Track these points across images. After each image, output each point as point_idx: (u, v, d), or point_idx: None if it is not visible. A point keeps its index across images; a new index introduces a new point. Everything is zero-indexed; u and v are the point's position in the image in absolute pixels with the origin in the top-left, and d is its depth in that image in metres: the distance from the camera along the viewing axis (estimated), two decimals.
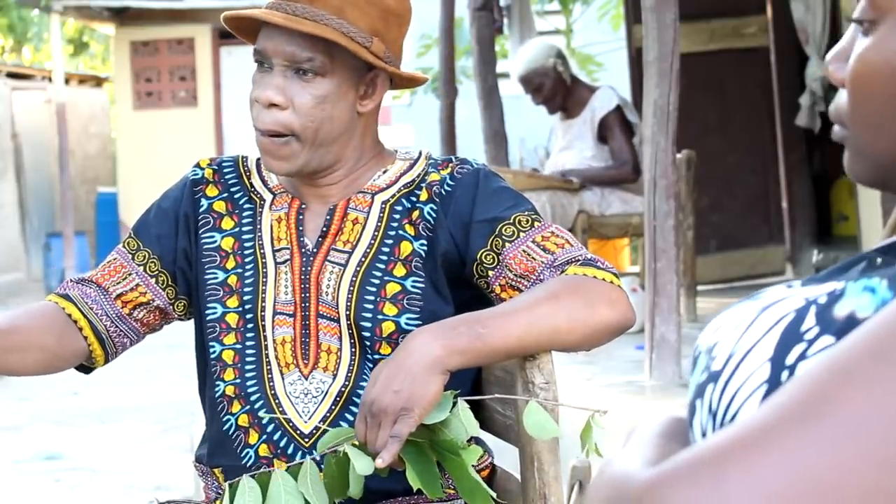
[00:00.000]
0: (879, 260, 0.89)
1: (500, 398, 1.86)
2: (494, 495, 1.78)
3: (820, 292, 0.84)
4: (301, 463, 1.78)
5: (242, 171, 2.08)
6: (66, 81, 15.20)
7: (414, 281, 1.94)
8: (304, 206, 2.02)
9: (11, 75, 15.13)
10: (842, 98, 0.96)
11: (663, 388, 4.36)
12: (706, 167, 6.57)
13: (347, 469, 1.75)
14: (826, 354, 0.69)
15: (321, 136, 1.94)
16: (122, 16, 15.35)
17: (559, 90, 6.18)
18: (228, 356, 1.97)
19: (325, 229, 1.99)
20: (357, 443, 1.75)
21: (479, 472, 1.88)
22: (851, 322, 0.80)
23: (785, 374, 0.81)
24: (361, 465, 1.71)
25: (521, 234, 1.91)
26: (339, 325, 1.93)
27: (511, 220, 1.93)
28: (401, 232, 1.97)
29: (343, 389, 1.92)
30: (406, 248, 1.96)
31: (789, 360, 0.82)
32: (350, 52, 1.92)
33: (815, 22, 6.75)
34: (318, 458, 1.79)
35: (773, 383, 0.82)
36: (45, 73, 16.16)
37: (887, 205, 5.17)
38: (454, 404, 1.75)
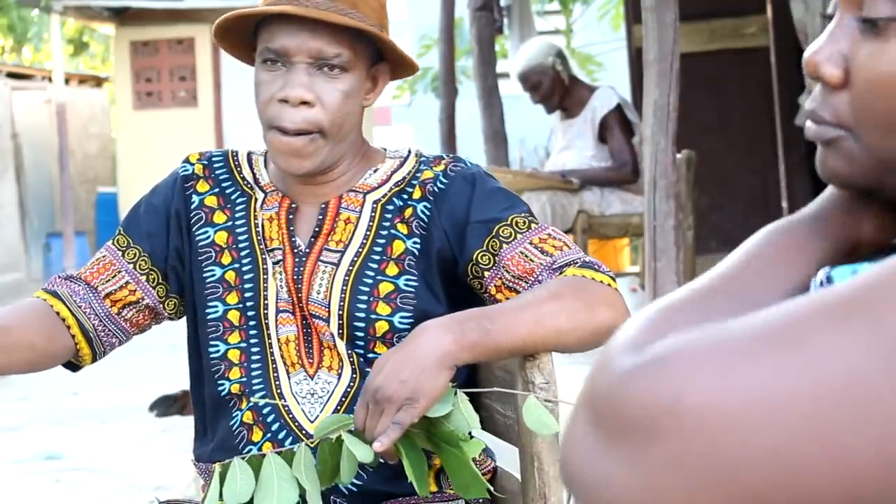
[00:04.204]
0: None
1: (499, 391, 1.86)
2: (491, 488, 1.77)
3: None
4: (293, 448, 1.77)
5: (233, 165, 2.06)
6: (66, 81, 15.21)
7: (407, 280, 1.93)
8: (294, 205, 2.00)
9: (11, 75, 15.12)
10: (836, 98, 0.93)
11: None
12: (706, 167, 6.57)
13: (340, 456, 1.74)
14: (818, 292, 0.69)
15: (342, 133, 1.94)
16: (122, 16, 15.35)
17: (557, 89, 6.19)
18: (234, 355, 1.96)
19: (317, 229, 1.97)
20: (354, 430, 1.74)
21: (482, 474, 1.88)
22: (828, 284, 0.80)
23: None
24: (361, 453, 1.71)
25: (519, 236, 1.91)
26: (329, 325, 1.92)
27: (508, 222, 1.92)
28: (393, 231, 1.96)
29: (348, 390, 1.92)
30: (399, 246, 1.95)
31: None
32: (364, 46, 1.93)
33: (815, 22, 6.75)
34: (313, 445, 1.78)
35: None
36: (45, 73, 16.16)
37: None
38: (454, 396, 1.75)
